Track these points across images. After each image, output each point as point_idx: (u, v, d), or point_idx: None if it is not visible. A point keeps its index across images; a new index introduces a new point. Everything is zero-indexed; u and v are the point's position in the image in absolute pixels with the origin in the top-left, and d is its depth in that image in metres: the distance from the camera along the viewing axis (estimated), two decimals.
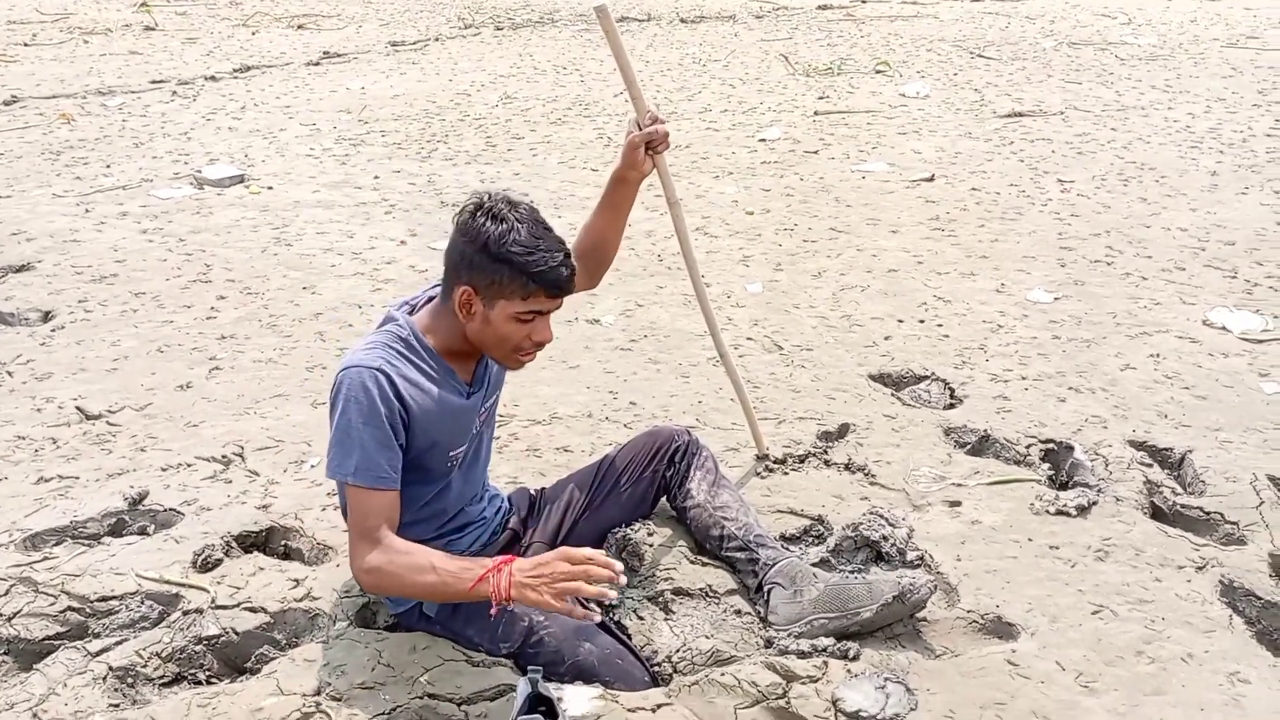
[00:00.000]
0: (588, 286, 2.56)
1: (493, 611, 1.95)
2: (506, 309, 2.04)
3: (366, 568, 1.98)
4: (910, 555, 2.52)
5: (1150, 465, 3.01)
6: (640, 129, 2.39)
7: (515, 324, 2.06)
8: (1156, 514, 2.81)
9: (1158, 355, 3.75)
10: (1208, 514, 2.77)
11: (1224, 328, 3.98)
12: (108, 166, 6.40)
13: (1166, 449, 3.10)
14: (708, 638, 2.27)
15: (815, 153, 6.72)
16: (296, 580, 2.42)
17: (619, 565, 1.90)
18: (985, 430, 3.20)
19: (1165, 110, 7.64)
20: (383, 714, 2.01)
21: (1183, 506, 2.81)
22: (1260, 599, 2.41)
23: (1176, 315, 4.11)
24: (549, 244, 2.04)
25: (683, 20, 12.74)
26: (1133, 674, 2.16)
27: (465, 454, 2.24)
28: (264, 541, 2.68)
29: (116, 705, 2.08)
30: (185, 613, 2.31)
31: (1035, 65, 9.47)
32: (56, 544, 2.61)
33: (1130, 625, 2.31)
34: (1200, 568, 2.52)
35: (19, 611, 2.31)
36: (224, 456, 3.06)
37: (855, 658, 2.17)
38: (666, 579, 2.41)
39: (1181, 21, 11.86)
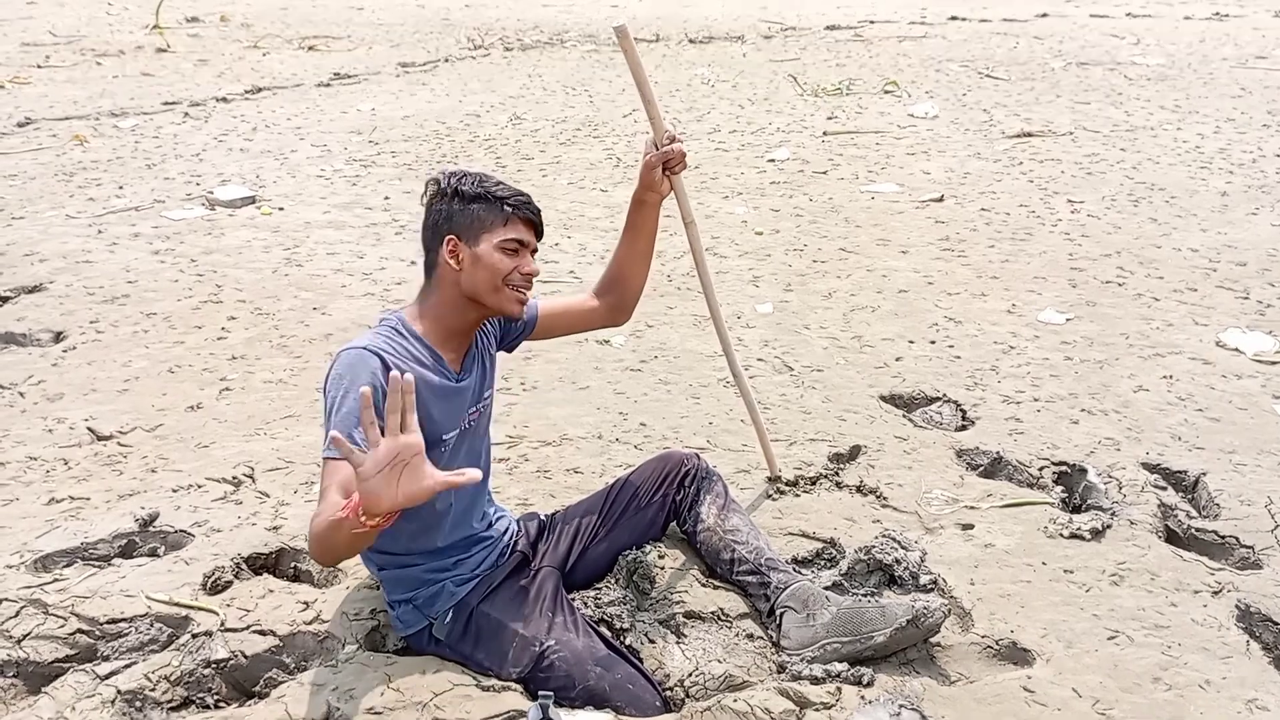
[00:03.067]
0: (615, 321, 2.57)
1: (343, 515, 1.75)
2: (491, 240, 2.15)
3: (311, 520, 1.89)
4: (923, 579, 2.50)
5: (1164, 488, 2.99)
6: (658, 149, 2.39)
7: (502, 254, 2.15)
8: (1171, 538, 2.79)
9: (1171, 377, 3.73)
10: (1223, 538, 2.74)
11: (1237, 349, 3.96)
12: (120, 188, 6.44)
13: (1180, 472, 3.08)
14: (720, 662, 2.25)
15: (824, 173, 6.73)
16: (306, 603, 2.42)
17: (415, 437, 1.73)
18: (998, 452, 3.18)
19: (1175, 130, 7.63)
20: None
21: (1197, 530, 2.79)
22: (1277, 624, 2.38)
23: (1189, 336, 4.09)
24: (505, 182, 2.22)
25: (691, 41, 12.80)
26: (1150, 701, 2.13)
27: (456, 439, 2.21)
28: (274, 563, 2.67)
29: None
30: (194, 635, 2.30)
31: (1044, 85, 9.48)
32: (67, 565, 2.61)
33: (1147, 651, 2.28)
34: (1216, 592, 2.49)
35: (29, 634, 2.30)
36: (234, 478, 3.06)
37: (869, 684, 2.15)
38: (678, 602, 2.40)
39: (1190, 41, 11.87)
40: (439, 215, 2.18)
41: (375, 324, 2.21)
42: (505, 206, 2.16)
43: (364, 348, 2.06)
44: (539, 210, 2.23)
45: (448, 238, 2.15)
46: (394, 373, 1.74)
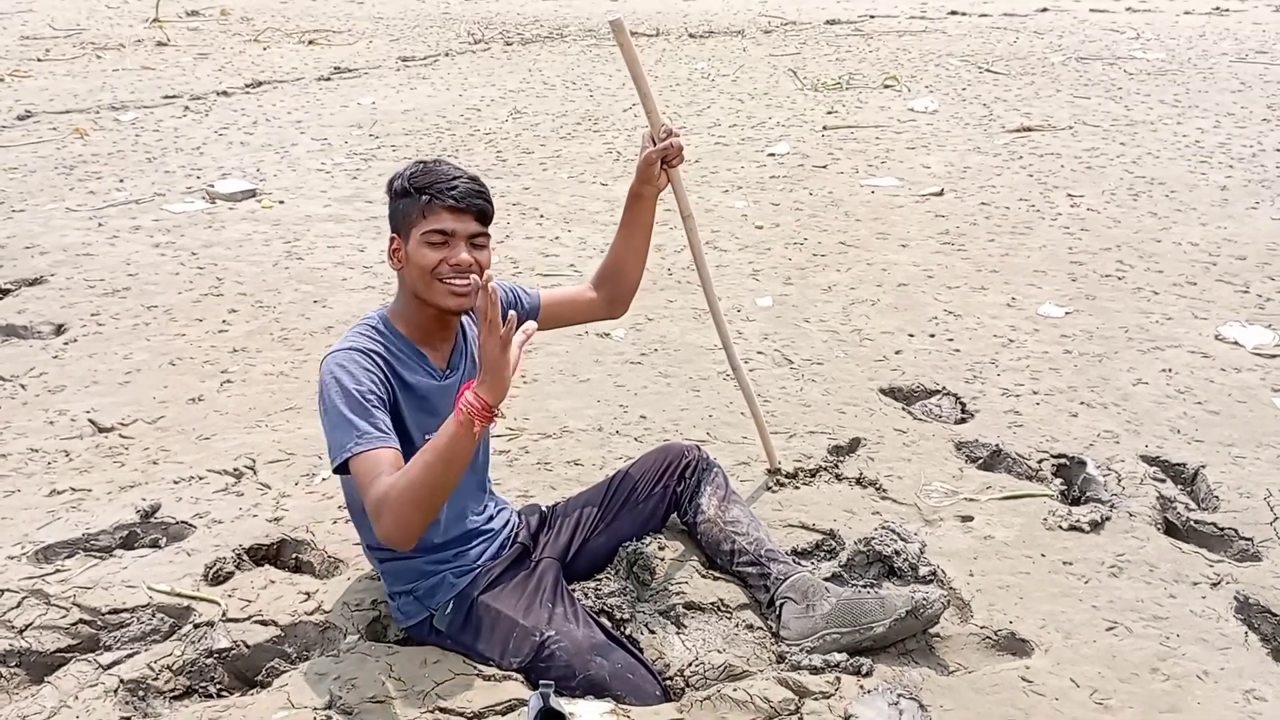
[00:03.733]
0: (612, 314, 2.58)
1: (476, 429, 1.88)
2: (415, 235, 2.11)
3: (374, 507, 1.91)
4: (923, 570, 2.51)
5: (1163, 480, 3.00)
6: (655, 143, 2.39)
7: (427, 248, 2.10)
8: (1170, 530, 2.79)
9: (1170, 370, 3.73)
10: (1222, 530, 2.75)
11: (1236, 342, 3.96)
12: (120, 181, 6.44)
13: (1179, 464, 3.08)
14: (720, 652, 2.26)
15: (824, 167, 6.73)
16: (307, 593, 2.42)
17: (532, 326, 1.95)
18: (997, 445, 3.19)
19: (1174, 125, 7.63)
20: None
21: (1196, 522, 2.79)
22: (1276, 615, 2.39)
23: (1188, 330, 4.10)
24: (444, 166, 2.14)
25: (691, 35, 12.79)
26: (1147, 691, 2.14)
27: None
28: (275, 554, 2.68)
29: (128, 718, 2.07)
30: (196, 625, 2.31)
31: (1044, 80, 9.48)
32: (68, 556, 2.62)
33: (1145, 642, 2.29)
34: (1215, 584, 2.50)
35: (31, 624, 2.31)
36: (235, 469, 3.07)
37: (868, 674, 2.16)
38: (678, 593, 2.41)
39: (1190, 36, 11.87)
40: (389, 214, 2.19)
41: (357, 323, 2.22)
42: (424, 196, 2.10)
43: (348, 348, 2.09)
44: (467, 193, 2.10)
45: (390, 237, 2.17)
46: (490, 283, 1.82)
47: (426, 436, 2.09)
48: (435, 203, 2.10)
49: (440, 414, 2.17)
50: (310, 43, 12.27)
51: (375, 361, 2.08)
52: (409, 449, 2.10)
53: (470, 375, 2.27)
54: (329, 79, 10.05)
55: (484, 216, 2.15)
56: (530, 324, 1.93)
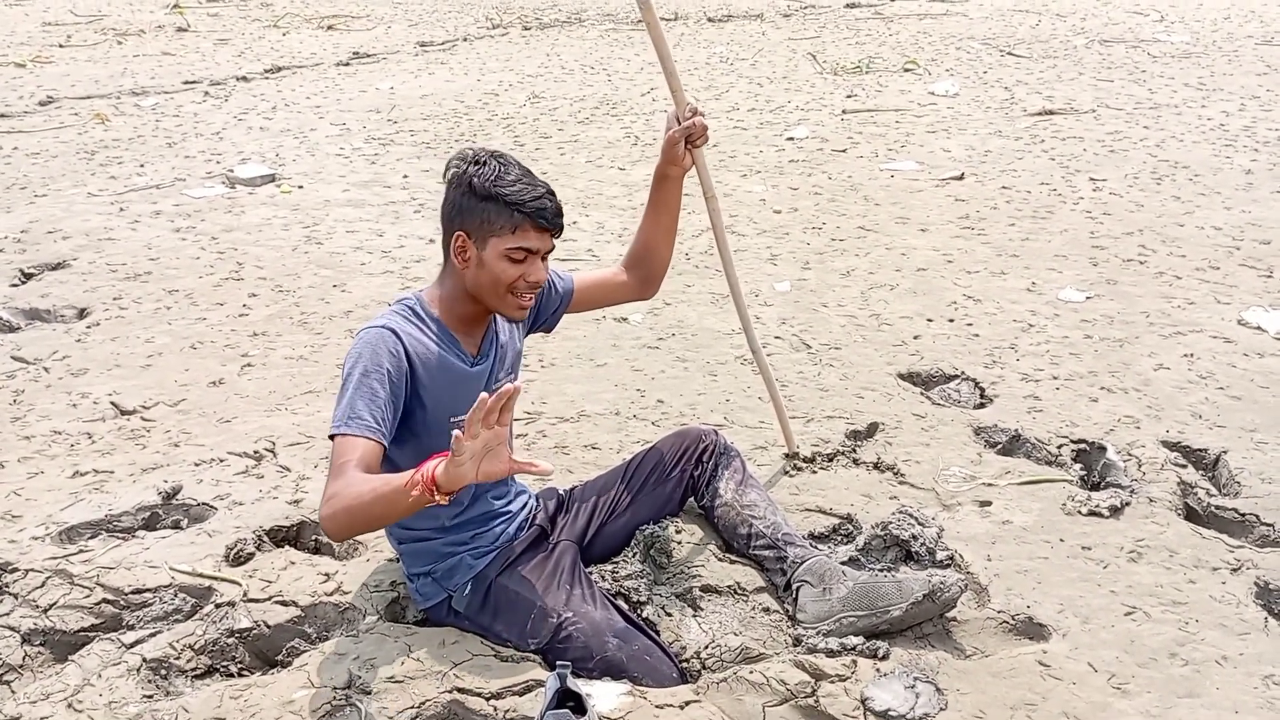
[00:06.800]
0: (644, 295, 2.58)
1: (415, 494, 1.80)
2: (497, 246, 2.08)
3: (327, 496, 1.91)
4: (940, 555, 2.51)
5: (1184, 466, 2.98)
6: (679, 123, 2.39)
7: (507, 263, 2.09)
8: (1190, 515, 2.78)
9: (1192, 355, 3.70)
10: (1243, 515, 2.73)
11: (1259, 327, 3.93)
12: (141, 166, 6.48)
13: (1201, 450, 3.06)
14: (736, 635, 2.26)
15: (843, 151, 6.69)
16: (327, 575, 2.44)
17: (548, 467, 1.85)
18: (1016, 430, 3.17)
19: (1199, 108, 7.55)
20: (412, 708, 2.02)
21: (1217, 508, 2.78)
22: None
23: (1211, 315, 4.06)
24: (532, 180, 2.11)
25: (710, 19, 12.72)
26: (1166, 676, 2.14)
27: None
28: (295, 536, 2.70)
29: (150, 696, 2.10)
30: (217, 606, 2.33)
31: (1066, 63, 9.38)
32: (91, 537, 2.65)
33: (1164, 627, 2.28)
34: (1235, 569, 2.49)
35: (55, 603, 2.34)
36: (256, 452, 3.09)
37: (885, 657, 2.16)
38: (695, 576, 2.41)
39: (1215, 19, 11.72)
40: (452, 205, 2.13)
41: (394, 303, 2.22)
42: (516, 213, 2.06)
43: (382, 326, 2.09)
44: (555, 212, 2.11)
45: (456, 233, 2.11)
46: (507, 386, 1.77)
47: (451, 419, 2.13)
48: (529, 221, 2.07)
49: (466, 400, 2.18)
50: (329, 28, 12.28)
51: (401, 345, 2.08)
52: (433, 429, 2.13)
53: (499, 364, 2.28)
54: (348, 64, 10.05)
55: (560, 234, 2.17)
56: (546, 465, 1.82)
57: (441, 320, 2.18)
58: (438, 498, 1.79)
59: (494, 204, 2.06)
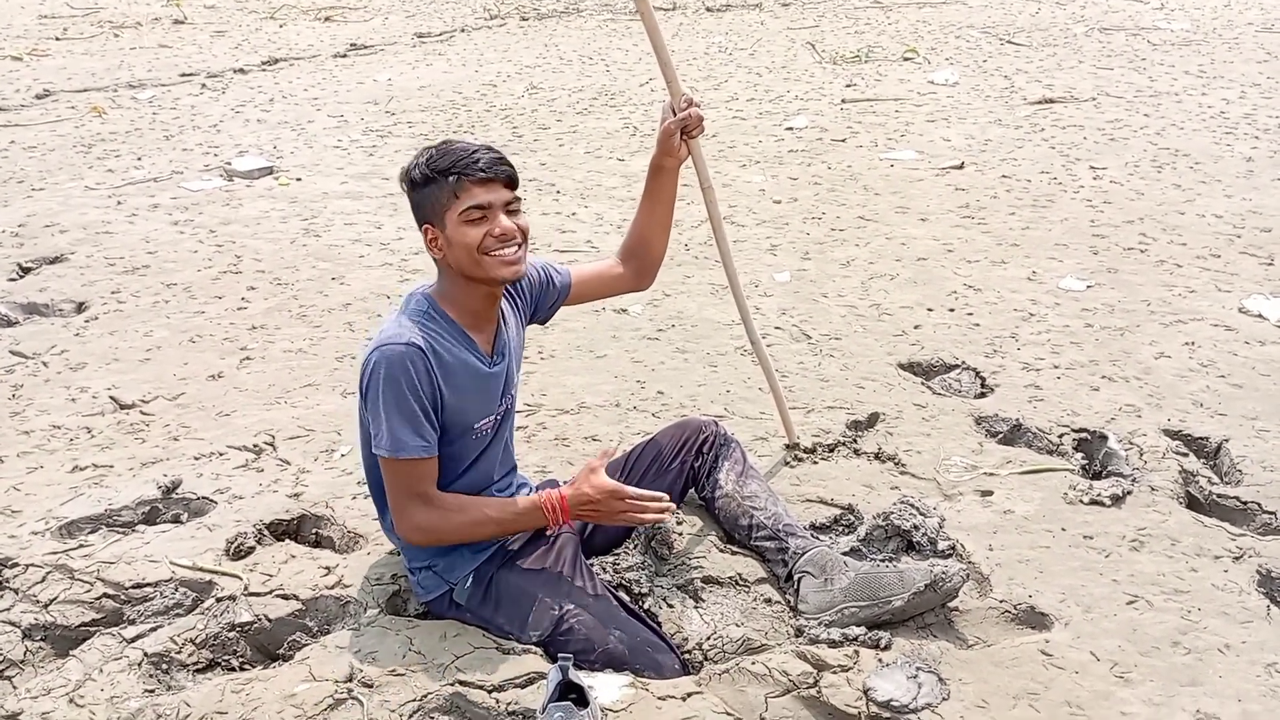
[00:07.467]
0: (639, 286, 2.57)
1: (550, 521, 2.14)
2: (453, 217, 2.08)
3: (420, 526, 2.12)
4: (941, 545, 2.50)
5: (1185, 454, 2.97)
6: (675, 114, 2.37)
7: (468, 226, 2.07)
8: (1192, 504, 2.78)
9: (1193, 343, 3.70)
10: (1244, 503, 2.73)
11: (1260, 315, 3.92)
12: (139, 159, 6.46)
13: (1202, 438, 3.06)
14: (738, 626, 2.26)
15: (843, 141, 6.67)
16: (328, 568, 2.44)
17: (666, 497, 2.16)
18: (1017, 419, 3.17)
19: (1199, 96, 7.53)
20: (414, 700, 2.02)
21: (1219, 496, 2.77)
22: None
23: (1212, 303, 4.05)
24: (465, 144, 2.11)
25: (709, 9, 12.68)
26: (1168, 664, 2.13)
27: (491, 426, 2.23)
28: (295, 529, 2.70)
29: (152, 691, 2.10)
30: (218, 600, 2.33)
31: (1066, 51, 9.36)
32: (91, 532, 2.64)
33: (1166, 615, 2.28)
34: (1237, 558, 2.48)
35: (55, 598, 2.34)
36: (255, 446, 3.08)
37: (887, 647, 2.16)
38: (696, 567, 2.41)
39: (1215, 6, 11.68)
40: (414, 207, 2.15)
41: (403, 303, 2.20)
42: (452, 178, 2.06)
43: (407, 344, 2.06)
44: (491, 162, 2.09)
45: (424, 227, 2.13)
46: (609, 446, 2.04)
47: (479, 425, 2.18)
48: (464, 179, 2.06)
49: (484, 399, 2.18)
50: (326, 19, 12.24)
51: (428, 361, 2.07)
52: (453, 433, 2.16)
53: (513, 361, 2.28)
54: (345, 56, 10.02)
55: (512, 182, 2.13)
56: (668, 503, 2.17)
57: (455, 320, 2.17)
58: (564, 525, 2.18)
59: (434, 183, 2.08)
